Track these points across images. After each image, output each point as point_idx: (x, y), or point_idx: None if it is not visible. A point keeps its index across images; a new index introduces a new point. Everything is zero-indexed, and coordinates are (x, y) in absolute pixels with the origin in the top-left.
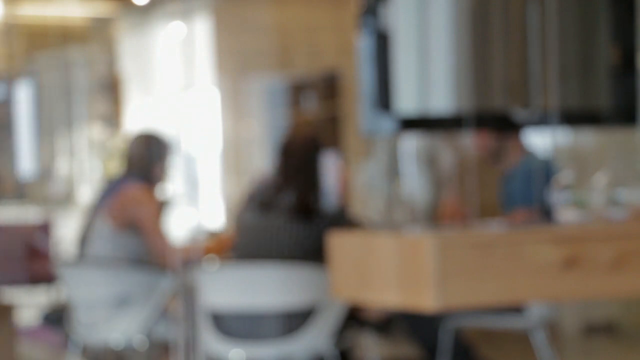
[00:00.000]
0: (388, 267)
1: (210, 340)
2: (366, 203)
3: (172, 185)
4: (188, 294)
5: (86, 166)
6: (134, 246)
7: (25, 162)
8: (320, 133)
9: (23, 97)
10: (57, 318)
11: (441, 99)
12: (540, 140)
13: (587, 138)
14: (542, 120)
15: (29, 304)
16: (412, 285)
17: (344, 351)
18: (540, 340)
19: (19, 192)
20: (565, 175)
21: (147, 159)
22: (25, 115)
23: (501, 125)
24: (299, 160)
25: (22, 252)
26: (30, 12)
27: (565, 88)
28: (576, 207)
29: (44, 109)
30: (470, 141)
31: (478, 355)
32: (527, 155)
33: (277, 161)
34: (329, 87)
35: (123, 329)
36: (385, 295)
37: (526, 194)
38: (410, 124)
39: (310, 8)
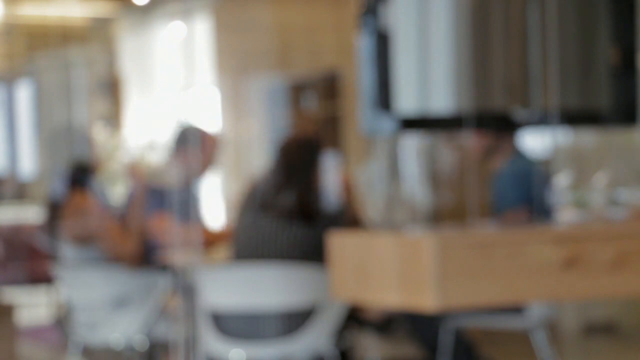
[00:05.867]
0: (388, 267)
1: (210, 340)
2: (366, 203)
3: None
4: (188, 294)
5: None
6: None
7: (25, 162)
8: (321, 133)
9: (23, 97)
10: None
11: (441, 99)
12: (540, 140)
13: (587, 138)
14: (542, 120)
15: (29, 304)
16: (412, 285)
17: (344, 351)
18: (540, 340)
19: (19, 192)
20: (565, 175)
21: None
22: (25, 115)
23: (501, 125)
24: (298, 160)
25: (22, 252)
26: (30, 12)
27: (565, 88)
28: (576, 207)
29: (44, 109)
30: (469, 140)
31: (479, 355)
32: (517, 155)
33: (276, 161)
34: (329, 87)
35: (123, 329)
36: (385, 295)
37: (513, 194)
38: (410, 124)
39: (310, 8)
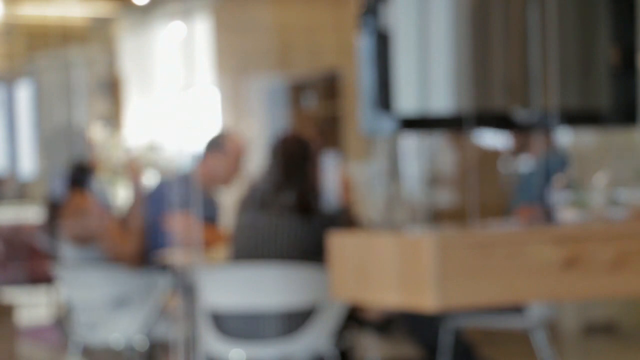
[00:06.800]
0: (388, 267)
1: (210, 340)
2: (366, 203)
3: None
4: (188, 294)
5: None
6: None
7: (25, 162)
8: (321, 132)
9: (23, 97)
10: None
11: (441, 99)
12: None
13: (587, 138)
14: (542, 120)
15: (29, 304)
16: (412, 285)
17: (344, 351)
18: (540, 340)
19: (19, 192)
20: (565, 175)
21: None
22: (25, 115)
23: (501, 125)
24: (295, 159)
25: (22, 252)
26: (30, 12)
27: (565, 88)
28: (576, 207)
29: (44, 109)
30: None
31: (479, 355)
32: (550, 153)
33: (271, 160)
34: (329, 87)
35: (123, 329)
36: (385, 295)
37: (532, 191)
38: (410, 124)
39: (310, 8)
